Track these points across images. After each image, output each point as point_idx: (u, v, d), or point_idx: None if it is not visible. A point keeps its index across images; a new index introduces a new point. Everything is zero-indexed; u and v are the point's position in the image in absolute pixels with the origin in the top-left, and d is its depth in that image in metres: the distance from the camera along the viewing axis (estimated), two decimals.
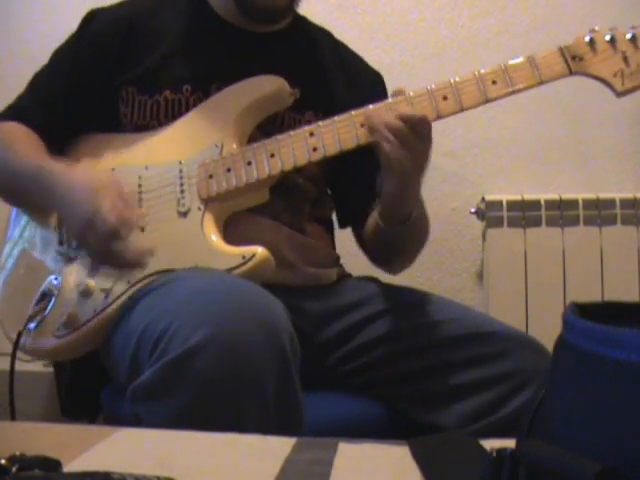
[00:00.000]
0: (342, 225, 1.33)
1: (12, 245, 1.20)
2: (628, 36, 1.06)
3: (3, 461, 0.46)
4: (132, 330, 0.97)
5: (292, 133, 1.10)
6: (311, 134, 1.09)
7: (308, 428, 0.90)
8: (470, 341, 1.07)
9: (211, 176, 1.10)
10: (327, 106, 1.17)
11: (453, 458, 0.61)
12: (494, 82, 1.06)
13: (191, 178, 1.11)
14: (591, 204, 1.77)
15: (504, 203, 1.78)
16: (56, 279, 1.10)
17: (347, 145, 1.08)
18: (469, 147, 1.88)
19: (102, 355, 1.08)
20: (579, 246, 1.75)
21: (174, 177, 1.12)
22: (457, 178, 1.88)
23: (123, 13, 1.23)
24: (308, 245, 1.20)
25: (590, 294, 1.71)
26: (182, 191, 1.11)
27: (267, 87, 1.14)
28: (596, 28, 1.08)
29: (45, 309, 1.08)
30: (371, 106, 1.08)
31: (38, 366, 1.61)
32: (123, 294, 1.04)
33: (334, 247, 1.31)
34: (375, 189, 1.14)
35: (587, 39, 1.07)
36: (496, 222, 1.78)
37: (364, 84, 1.28)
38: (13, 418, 1.06)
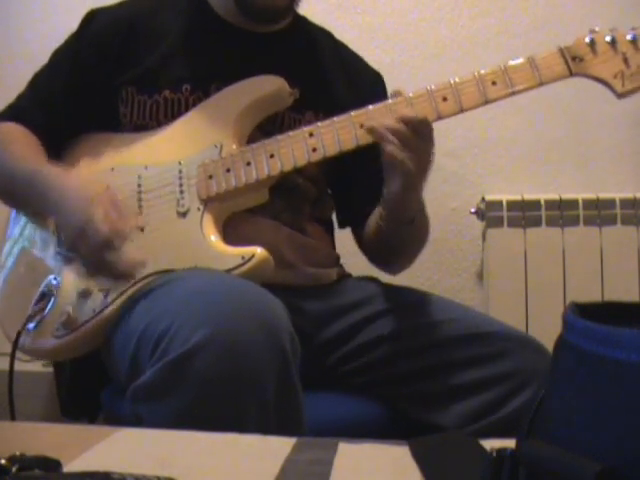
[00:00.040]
0: (341, 225, 1.33)
1: (12, 243, 1.20)
2: (628, 37, 1.06)
3: (3, 461, 0.46)
4: (132, 330, 0.97)
5: (291, 133, 1.10)
6: (310, 135, 1.09)
7: (308, 428, 0.90)
8: (470, 341, 1.07)
9: (210, 176, 1.10)
10: (327, 106, 1.17)
11: (453, 458, 0.61)
12: (494, 83, 1.06)
13: (190, 178, 1.11)
14: (591, 204, 1.77)
15: (504, 203, 1.78)
16: (55, 279, 1.10)
17: (347, 146, 1.08)
18: (469, 147, 1.88)
19: (103, 355, 1.08)
20: (579, 246, 1.75)
21: (174, 177, 1.12)
22: (457, 178, 1.88)
23: (123, 13, 1.23)
24: (308, 245, 1.20)
25: (590, 294, 1.71)
26: (182, 191, 1.11)
27: (267, 87, 1.14)
28: (596, 29, 1.08)
29: (44, 309, 1.08)
30: (371, 107, 1.08)
31: (38, 366, 1.61)
32: (122, 294, 1.04)
33: (334, 247, 1.31)
34: (376, 190, 1.14)
35: (587, 40, 1.07)
36: (496, 222, 1.78)
37: (364, 84, 1.28)
38: (13, 418, 1.06)
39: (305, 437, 0.70)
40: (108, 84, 1.18)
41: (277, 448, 0.63)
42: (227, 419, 0.83)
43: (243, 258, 1.03)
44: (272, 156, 1.09)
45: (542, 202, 1.77)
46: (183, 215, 1.10)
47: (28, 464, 0.47)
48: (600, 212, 1.77)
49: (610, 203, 1.77)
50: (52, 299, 1.09)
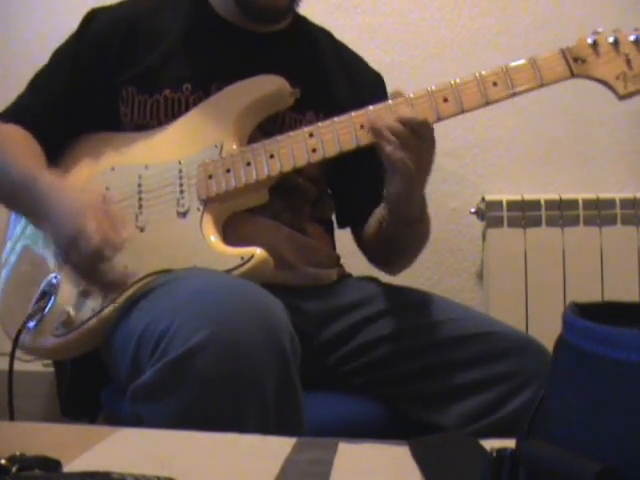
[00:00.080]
0: (341, 225, 1.33)
1: (15, 241, 1.20)
2: (631, 38, 1.05)
3: (3, 461, 0.46)
4: (132, 330, 0.97)
5: (291, 134, 1.09)
6: (310, 135, 1.08)
7: (308, 428, 0.90)
8: (470, 341, 1.07)
9: (210, 176, 1.10)
10: (328, 106, 1.17)
11: (453, 458, 0.61)
12: (495, 84, 1.06)
13: (190, 178, 1.11)
14: (591, 204, 1.77)
15: (504, 203, 1.78)
16: (56, 278, 1.10)
17: (346, 146, 1.08)
18: (469, 147, 1.88)
19: (103, 355, 1.08)
20: (579, 246, 1.75)
21: (174, 177, 1.12)
22: (457, 178, 1.88)
23: (123, 13, 1.23)
24: (308, 245, 1.20)
25: (590, 294, 1.71)
26: (182, 191, 1.11)
27: (267, 87, 1.14)
28: (599, 30, 1.06)
29: (44, 308, 1.08)
30: (371, 107, 1.07)
31: (38, 366, 1.62)
32: (122, 294, 1.04)
33: (334, 247, 1.31)
34: (376, 190, 1.14)
35: (590, 41, 1.06)
36: (496, 222, 1.78)
37: (365, 84, 1.28)
38: (12, 418, 1.06)
39: (305, 437, 0.70)
40: (108, 84, 1.18)
41: (277, 448, 0.63)
42: (227, 419, 0.83)
43: (242, 258, 1.03)
44: (272, 156, 1.09)
45: (542, 202, 1.77)
46: (183, 215, 1.10)
47: (28, 464, 0.47)
48: (600, 212, 1.77)
49: (610, 203, 1.77)
50: (52, 298, 1.09)
